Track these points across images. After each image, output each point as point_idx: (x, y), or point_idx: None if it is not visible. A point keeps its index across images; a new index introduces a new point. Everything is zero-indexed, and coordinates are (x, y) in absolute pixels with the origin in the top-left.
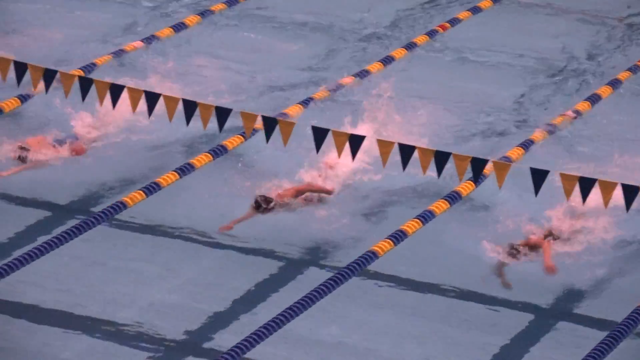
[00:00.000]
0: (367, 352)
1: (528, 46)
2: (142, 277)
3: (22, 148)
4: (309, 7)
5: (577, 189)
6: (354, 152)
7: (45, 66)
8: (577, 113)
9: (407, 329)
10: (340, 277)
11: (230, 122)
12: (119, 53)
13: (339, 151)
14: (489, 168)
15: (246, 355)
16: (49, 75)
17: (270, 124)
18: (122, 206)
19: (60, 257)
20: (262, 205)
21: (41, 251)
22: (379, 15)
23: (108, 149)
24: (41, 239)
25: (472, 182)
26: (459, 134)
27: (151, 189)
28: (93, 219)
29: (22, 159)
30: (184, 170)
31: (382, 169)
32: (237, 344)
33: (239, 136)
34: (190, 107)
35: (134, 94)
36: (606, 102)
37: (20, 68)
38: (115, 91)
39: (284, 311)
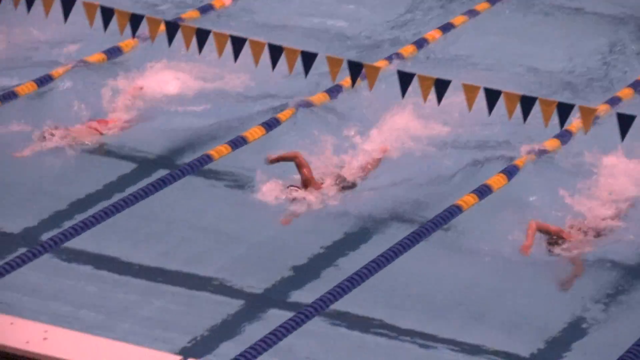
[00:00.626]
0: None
1: None
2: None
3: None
4: None
5: None
6: (439, 98)
7: (132, 11)
8: None
9: None
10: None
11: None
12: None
13: (424, 96)
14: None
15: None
16: (135, 21)
17: (355, 68)
18: (207, 159)
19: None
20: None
21: (128, 202)
22: None
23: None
24: (128, 191)
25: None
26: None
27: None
28: (179, 172)
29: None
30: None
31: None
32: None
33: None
34: (276, 52)
35: (220, 39)
36: None
37: (107, 14)
38: (202, 36)
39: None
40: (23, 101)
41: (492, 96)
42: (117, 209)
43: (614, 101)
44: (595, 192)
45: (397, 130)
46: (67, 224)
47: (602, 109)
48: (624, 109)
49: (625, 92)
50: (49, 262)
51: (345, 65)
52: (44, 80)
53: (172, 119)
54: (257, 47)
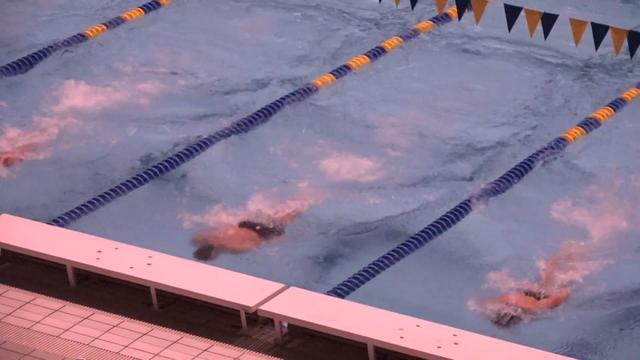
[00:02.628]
0: None
1: None
2: None
3: None
4: None
5: None
6: (545, 33)
7: None
8: None
9: None
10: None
11: None
12: None
13: (531, 30)
14: None
15: None
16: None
17: (462, 1)
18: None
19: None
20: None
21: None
22: None
23: None
24: None
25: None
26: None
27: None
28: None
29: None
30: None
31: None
32: None
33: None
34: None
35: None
36: None
37: None
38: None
39: None
40: None
41: (599, 31)
42: None
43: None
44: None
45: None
46: None
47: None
48: None
49: None
50: None
51: None
52: None
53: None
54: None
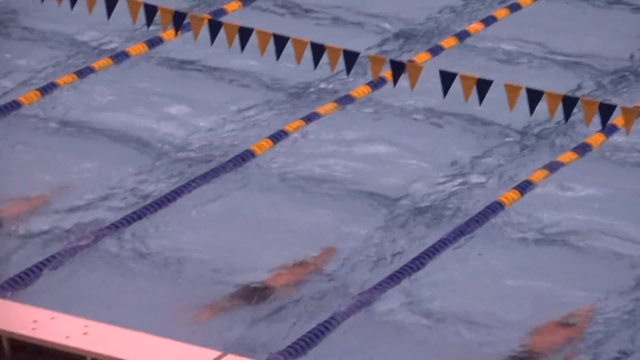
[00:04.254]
0: None
1: None
2: None
3: None
4: None
5: None
6: (481, 98)
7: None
8: None
9: None
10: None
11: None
12: None
13: (466, 96)
14: None
15: None
16: (178, 18)
17: (397, 68)
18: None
19: None
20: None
21: None
22: None
23: None
24: None
25: (602, 134)
26: None
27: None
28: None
29: None
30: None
31: None
32: None
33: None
34: (318, 50)
35: (263, 37)
36: None
37: (150, 11)
38: (244, 35)
39: None
40: None
41: (534, 96)
42: None
43: None
44: None
45: None
46: None
47: None
48: None
49: None
50: None
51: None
52: None
53: None
54: (299, 45)
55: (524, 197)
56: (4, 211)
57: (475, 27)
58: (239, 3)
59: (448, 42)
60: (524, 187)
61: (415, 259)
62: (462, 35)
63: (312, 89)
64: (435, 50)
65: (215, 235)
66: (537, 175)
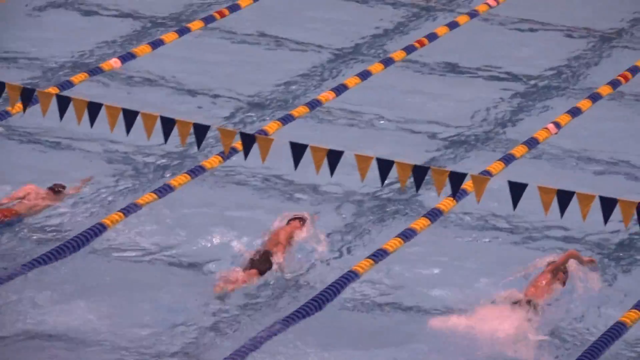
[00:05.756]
0: None
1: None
2: None
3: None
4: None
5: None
6: (332, 169)
7: (22, 85)
8: (558, 126)
9: None
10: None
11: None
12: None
13: (317, 167)
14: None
15: None
16: (26, 94)
17: (248, 140)
18: (101, 228)
19: None
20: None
21: None
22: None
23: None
24: None
25: (452, 199)
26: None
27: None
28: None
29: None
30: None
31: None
32: None
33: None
34: (168, 124)
35: (112, 112)
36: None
37: None
38: (93, 109)
39: None
40: None
41: (384, 166)
42: None
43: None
44: None
45: None
46: None
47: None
48: None
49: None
50: None
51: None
52: None
53: None
54: (149, 120)
55: (379, 264)
56: None
57: (326, 95)
58: (86, 74)
59: (298, 110)
60: (377, 255)
61: None
62: (313, 104)
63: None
64: (286, 119)
65: None
66: (391, 244)
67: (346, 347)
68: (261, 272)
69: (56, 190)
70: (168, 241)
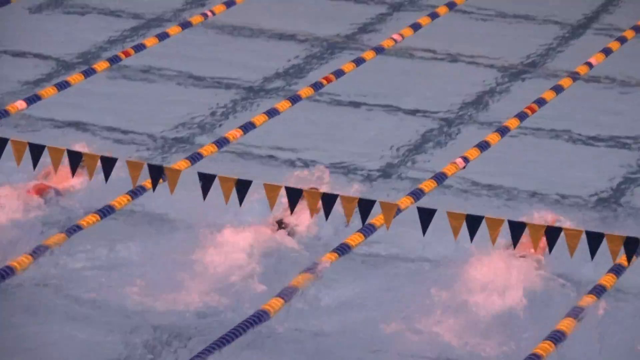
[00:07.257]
0: None
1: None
2: None
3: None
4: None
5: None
6: (240, 199)
7: None
8: (466, 161)
9: None
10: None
11: None
12: None
13: (226, 197)
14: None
15: None
16: None
17: (156, 172)
18: (10, 271)
19: None
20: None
21: None
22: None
23: None
24: None
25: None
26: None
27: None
28: None
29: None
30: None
31: None
32: None
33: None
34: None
35: (19, 147)
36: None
37: None
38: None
39: None
40: None
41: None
42: None
43: None
44: None
45: None
46: None
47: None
48: None
49: None
50: None
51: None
52: None
53: None
54: (57, 154)
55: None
56: None
57: (233, 133)
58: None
59: (207, 149)
60: (287, 293)
61: None
62: (221, 142)
63: None
64: (195, 158)
65: None
66: (299, 280)
67: None
68: None
69: None
70: None
